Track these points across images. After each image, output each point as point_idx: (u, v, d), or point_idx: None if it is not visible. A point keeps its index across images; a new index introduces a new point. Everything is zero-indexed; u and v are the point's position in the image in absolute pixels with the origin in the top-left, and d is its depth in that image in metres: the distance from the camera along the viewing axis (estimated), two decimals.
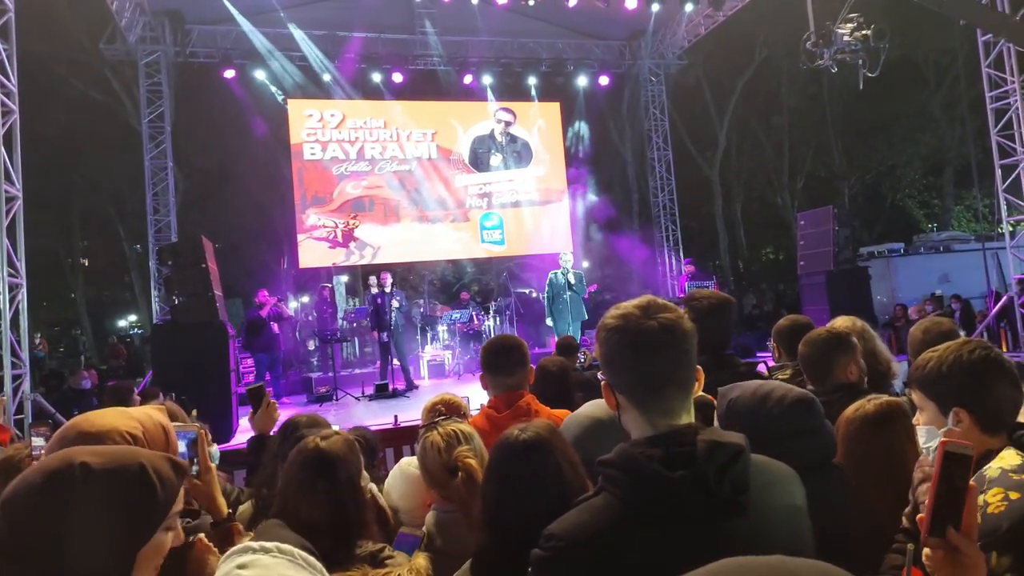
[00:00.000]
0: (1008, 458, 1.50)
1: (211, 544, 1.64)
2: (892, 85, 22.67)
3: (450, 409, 2.74)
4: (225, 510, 1.93)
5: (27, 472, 1.09)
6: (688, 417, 1.25)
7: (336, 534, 1.72)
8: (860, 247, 17.67)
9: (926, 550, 1.13)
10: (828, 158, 24.52)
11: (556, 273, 10.63)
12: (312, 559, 1.21)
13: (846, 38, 6.22)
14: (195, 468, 1.88)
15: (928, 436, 1.73)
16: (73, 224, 22.15)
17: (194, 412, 3.09)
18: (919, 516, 1.14)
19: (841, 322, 2.89)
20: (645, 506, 1.14)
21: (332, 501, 1.76)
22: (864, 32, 6.17)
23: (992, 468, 1.47)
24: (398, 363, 10.34)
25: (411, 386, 10.12)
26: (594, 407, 2.01)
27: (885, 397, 2.10)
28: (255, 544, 1.19)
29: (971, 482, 1.11)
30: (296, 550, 1.20)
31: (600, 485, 1.22)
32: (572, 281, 10.43)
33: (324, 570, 1.22)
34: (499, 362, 2.71)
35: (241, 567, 1.14)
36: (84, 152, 19.60)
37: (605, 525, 1.16)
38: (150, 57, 12.42)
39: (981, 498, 1.39)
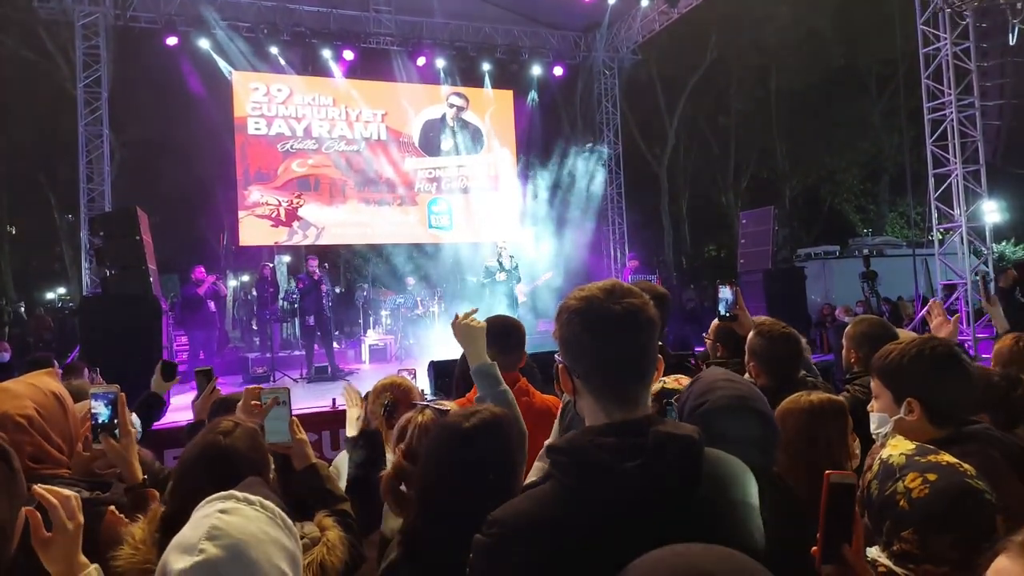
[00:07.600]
0: (901, 445, 1.54)
1: (122, 515, 1.64)
2: (834, 92, 23.41)
3: (400, 393, 2.71)
4: (140, 475, 1.90)
5: None
6: (645, 407, 1.23)
7: None
8: (798, 248, 18.20)
9: None
10: (772, 160, 25.16)
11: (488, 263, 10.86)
12: (289, 521, 1.16)
13: None
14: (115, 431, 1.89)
15: (880, 423, 1.78)
16: None
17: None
18: (813, 549, 1.20)
19: (762, 320, 2.93)
20: (593, 497, 1.11)
21: None
22: None
23: (894, 456, 1.50)
24: (336, 346, 10.21)
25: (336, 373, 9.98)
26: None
27: (825, 394, 2.12)
28: (239, 494, 1.12)
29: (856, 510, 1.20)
30: (277, 509, 1.15)
31: (548, 472, 1.19)
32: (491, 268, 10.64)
33: (297, 535, 1.18)
34: (500, 340, 2.68)
35: (223, 512, 1.08)
36: (12, 113, 18.60)
37: (550, 514, 1.12)
38: (88, 18, 11.81)
39: (900, 485, 1.42)
